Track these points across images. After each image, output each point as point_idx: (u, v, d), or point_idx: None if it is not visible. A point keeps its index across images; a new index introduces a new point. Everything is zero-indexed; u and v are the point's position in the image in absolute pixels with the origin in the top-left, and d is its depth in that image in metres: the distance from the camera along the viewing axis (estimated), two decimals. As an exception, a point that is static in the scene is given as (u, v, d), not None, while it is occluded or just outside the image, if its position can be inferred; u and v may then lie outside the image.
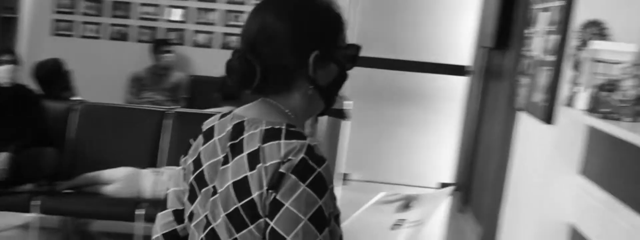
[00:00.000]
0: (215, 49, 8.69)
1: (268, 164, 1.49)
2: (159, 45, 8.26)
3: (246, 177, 1.51)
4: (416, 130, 6.97)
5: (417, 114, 6.91)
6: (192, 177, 1.66)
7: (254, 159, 1.52)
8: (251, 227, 1.51)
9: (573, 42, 4.38)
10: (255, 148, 1.52)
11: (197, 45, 8.76)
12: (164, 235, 1.75)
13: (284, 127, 1.55)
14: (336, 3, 1.65)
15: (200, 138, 1.69)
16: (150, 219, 5.03)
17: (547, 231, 4.37)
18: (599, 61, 4.03)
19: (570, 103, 4.23)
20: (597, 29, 4.34)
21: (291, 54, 1.56)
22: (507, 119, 5.28)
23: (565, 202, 4.27)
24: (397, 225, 1.80)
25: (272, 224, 1.46)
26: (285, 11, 1.55)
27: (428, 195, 1.98)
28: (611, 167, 3.92)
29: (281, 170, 1.47)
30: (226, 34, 8.72)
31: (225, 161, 1.58)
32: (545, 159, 4.38)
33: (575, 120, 4.17)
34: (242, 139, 1.56)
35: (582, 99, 4.10)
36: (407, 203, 1.86)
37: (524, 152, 4.94)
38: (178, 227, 1.72)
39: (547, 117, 4.41)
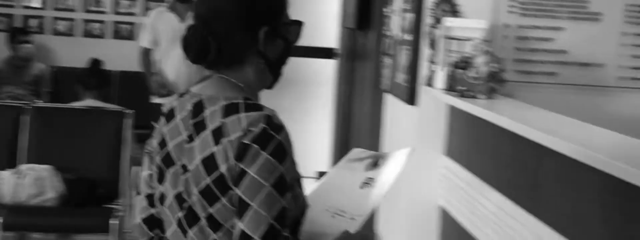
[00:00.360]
0: (77, 37, 8.22)
1: (232, 137, 1.56)
2: (16, 34, 7.66)
3: (213, 153, 1.58)
4: (290, 117, 6.79)
5: (290, 100, 6.74)
6: (159, 159, 1.70)
7: (218, 134, 1.58)
8: (223, 200, 1.57)
9: (428, 20, 4.29)
10: (218, 124, 1.59)
11: (57, 33, 8.27)
12: (143, 220, 1.78)
13: (241, 101, 1.62)
14: None
15: (162, 119, 1.74)
16: (10, 227, 4.69)
17: (419, 213, 4.29)
18: (452, 38, 3.96)
19: (430, 82, 4.15)
20: (448, 6, 4.27)
21: (243, 30, 1.65)
22: (375, 101, 5.18)
23: (433, 183, 4.20)
24: (366, 184, 1.84)
25: (238, 192, 1.54)
26: None
27: (394, 154, 2.00)
28: (472, 147, 3.86)
29: (244, 141, 1.55)
30: (88, 21, 8.26)
31: (190, 139, 1.64)
32: (412, 140, 4.29)
33: (435, 99, 4.09)
34: (204, 116, 1.62)
35: (440, 77, 4.02)
36: (375, 161, 1.94)
37: (392, 134, 4.85)
38: (153, 210, 1.76)
39: (410, 97, 4.32)
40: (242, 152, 1.56)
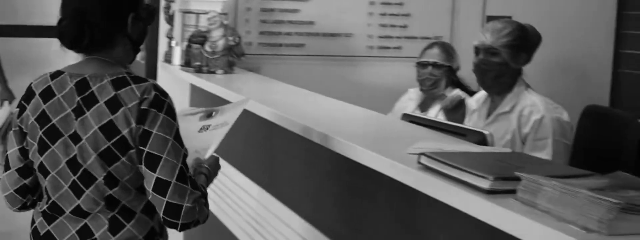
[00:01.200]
0: None
1: (130, 105, 1.82)
2: None
3: (111, 120, 1.83)
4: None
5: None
6: (40, 133, 1.93)
7: (113, 104, 1.84)
8: (123, 158, 1.85)
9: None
10: (111, 95, 1.84)
11: None
12: (15, 191, 2.01)
13: (125, 75, 1.88)
14: None
15: (37, 98, 1.94)
16: None
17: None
18: (188, 12, 3.71)
19: (168, 59, 3.89)
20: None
21: (114, 18, 1.90)
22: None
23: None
24: (204, 128, 2.15)
25: (146, 149, 1.81)
26: None
27: (228, 106, 2.24)
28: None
29: (143, 107, 1.81)
30: None
31: (80, 112, 1.88)
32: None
33: (174, 76, 3.83)
34: (92, 91, 1.87)
35: (177, 53, 3.77)
36: (209, 113, 2.20)
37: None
38: (26, 181, 2.00)
39: (149, 75, 4.04)
40: (142, 116, 1.82)
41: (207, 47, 3.51)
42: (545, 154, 2.69)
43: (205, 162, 2.05)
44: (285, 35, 4.26)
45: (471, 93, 3.42)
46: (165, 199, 1.80)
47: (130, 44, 1.96)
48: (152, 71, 4.02)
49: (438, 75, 3.50)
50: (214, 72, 3.54)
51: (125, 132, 1.83)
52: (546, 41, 3.06)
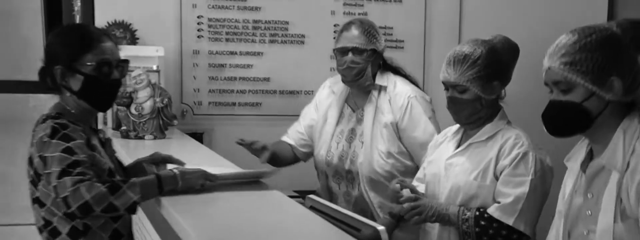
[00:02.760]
0: None
1: (35, 140, 2.02)
2: None
3: (30, 151, 2.06)
4: (14, 160, 5.94)
5: (13, 141, 5.89)
6: None
7: (32, 138, 2.06)
8: (40, 185, 2.05)
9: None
10: (34, 132, 2.07)
11: None
12: None
13: (52, 113, 2.08)
14: (97, 29, 2.20)
15: None
16: None
17: None
18: (116, 69, 3.31)
19: (105, 121, 3.50)
20: (122, 31, 3.65)
21: (51, 66, 2.09)
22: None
23: None
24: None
25: (48, 170, 1.94)
26: (50, 35, 2.16)
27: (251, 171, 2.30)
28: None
29: (43, 139, 1.99)
30: None
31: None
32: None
33: (118, 143, 3.41)
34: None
35: (109, 116, 3.38)
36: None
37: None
38: None
39: (87, 141, 3.63)
40: (40, 146, 1.98)
41: (132, 110, 3.12)
42: (519, 192, 2.23)
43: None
44: (238, 94, 3.88)
45: (407, 77, 2.95)
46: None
47: (72, 93, 2.09)
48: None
49: (361, 62, 2.84)
50: (142, 138, 3.14)
51: (35, 161, 2.03)
52: (532, 50, 2.60)
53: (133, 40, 3.67)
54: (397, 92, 2.88)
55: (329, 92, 3.06)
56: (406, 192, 2.35)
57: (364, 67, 2.86)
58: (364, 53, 2.85)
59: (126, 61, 2.16)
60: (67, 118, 2.07)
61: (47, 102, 6.20)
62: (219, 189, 2.09)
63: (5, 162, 6.14)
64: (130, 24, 3.70)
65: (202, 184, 2.04)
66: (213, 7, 3.83)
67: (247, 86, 3.89)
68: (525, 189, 2.23)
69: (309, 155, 3.09)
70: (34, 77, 5.94)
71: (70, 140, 1.99)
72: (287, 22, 3.93)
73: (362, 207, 2.90)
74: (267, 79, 3.91)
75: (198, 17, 3.81)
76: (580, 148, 1.87)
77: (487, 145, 2.34)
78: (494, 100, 2.38)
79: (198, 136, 3.75)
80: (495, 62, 2.34)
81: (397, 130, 2.86)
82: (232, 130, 3.72)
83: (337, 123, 2.98)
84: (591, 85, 1.72)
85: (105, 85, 2.11)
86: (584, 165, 1.83)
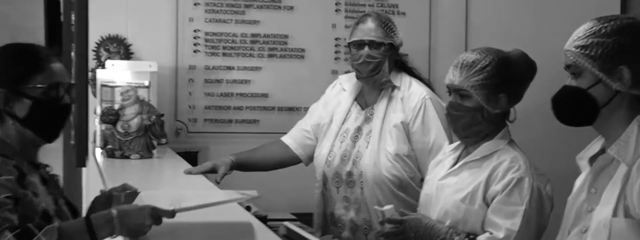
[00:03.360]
0: None
1: None
2: None
3: None
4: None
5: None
6: None
7: None
8: None
9: (92, 63, 3.54)
10: None
11: None
12: None
13: None
14: (44, 49, 1.94)
15: None
16: None
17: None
18: (104, 85, 3.22)
19: (95, 140, 3.39)
20: (116, 46, 3.54)
21: None
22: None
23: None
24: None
25: None
26: None
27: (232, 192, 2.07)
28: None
29: None
30: None
31: None
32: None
33: (99, 162, 3.31)
34: None
35: (98, 134, 3.27)
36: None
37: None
38: None
39: (79, 159, 3.52)
40: None
41: (119, 128, 3.00)
42: (510, 225, 2.06)
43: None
44: (235, 110, 3.76)
45: (421, 80, 2.83)
46: None
47: (15, 121, 1.86)
48: (80, 154, 3.51)
49: (379, 57, 2.70)
50: (128, 157, 3.02)
51: None
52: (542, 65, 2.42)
53: (127, 55, 3.57)
54: (411, 91, 2.74)
55: (340, 89, 2.92)
56: (388, 213, 2.19)
57: (381, 62, 2.72)
58: (381, 47, 2.72)
59: (74, 85, 1.97)
60: (1, 151, 1.85)
61: None
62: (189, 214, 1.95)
63: (10, 180, 6.11)
64: (124, 39, 3.60)
65: (149, 225, 1.73)
66: (210, 20, 3.72)
67: (245, 102, 3.77)
68: (517, 220, 2.07)
69: (312, 156, 2.93)
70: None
71: None
72: (286, 36, 3.81)
73: (362, 214, 2.74)
74: (265, 95, 3.79)
75: (194, 31, 3.70)
76: (593, 145, 1.77)
77: (482, 165, 2.18)
78: (498, 115, 2.22)
79: (193, 155, 3.63)
80: (505, 73, 2.19)
81: (407, 132, 2.71)
82: (228, 149, 3.56)
83: (344, 121, 2.83)
84: (598, 72, 1.65)
85: (55, 111, 1.89)
86: (593, 160, 1.73)
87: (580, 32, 1.70)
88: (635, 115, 1.65)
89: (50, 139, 1.93)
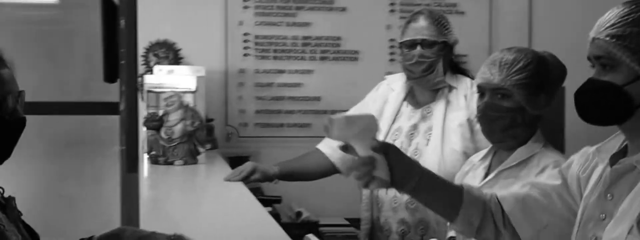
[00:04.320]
0: None
1: None
2: None
3: None
4: (83, 182, 5.95)
5: (82, 162, 5.91)
6: None
7: None
8: None
9: (141, 67, 3.54)
10: None
11: None
12: None
13: None
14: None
15: None
16: None
17: None
18: (150, 91, 3.19)
19: (144, 146, 3.36)
20: (165, 51, 3.52)
21: None
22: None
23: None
24: None
25: None
26: None
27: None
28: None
29: None
30: None
31: None
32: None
33: (147, 169, 3.28)
34: None
35: (144, 140, 3.24)
36: None
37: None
38: None
39: (130, 166, 3.51)
40: None
41: (162, 134, 2.97)
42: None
43: None
44: (286, 114, 3.69)
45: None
46: None
47: None
48: (131, 161, 3.50)
49: (432, 57, 2.56)
50: (172, 163, 2.98)
51: None
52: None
53: (176, 60, 3.54)
54: (474, 90, 2.60)
55: (387, 89, 2.79)
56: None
57: (435, 62, 2.58)
58: (435, 46, 2.58)
59: (23, 92, 1.65)
60: None
61: (115, 123, 6.04)
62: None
63: (73, 184, 6.20)
64: (173, 43, 3.57)
65: None
66: (260, 23, 3.66)
67: (296, 106, 3.69)
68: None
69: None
70: (102, 98, 5.93)
71: None
72: (339, 38, 3.72)
73: (419, 214, 2.61)
74: (317, 98, 3.71)
75: (244, 34, 3.65)
76: (614, 140, 1.55)
77: (520, 174, 2.04)
78: (534, 119, 2.08)
79: (244, 160, 3.55)
80: (545, 73, 2.06)
81: (471, 130, 2.58)
82: (280, 154, 3.51)
83: (394, 120, 2.71)
84: (638, 67, 1.41)
85: (8, 125, 1.61)
86: (614, 159, 1.50)
87: (613, 18, 1.46)
88: None
89: (2, 159, 1.64)
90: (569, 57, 2.21)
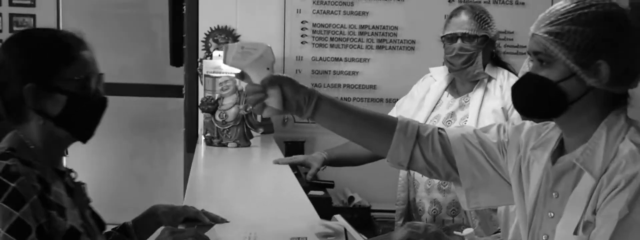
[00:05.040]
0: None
1: None
2: None
3: None
4: (151, 161, 6.11)
5: (151, 142, 6.07)
6: None
7: None
8: None
9: (201, 53, 3.64)
10: None
11: None
12: None
13: (2, 151, 1.61)
14: (72, 35, 1.68)
15: None
16: None
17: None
18: (207, 75, 3.29)
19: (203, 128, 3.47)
20: (224, 36, 3.62)
21: (12, 86, 1.62)
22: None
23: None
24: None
25: None
26: (7, 45, 1.66)
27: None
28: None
29: None
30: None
31: None
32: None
33: (202, 149, 3.39)
34: None
35: (201, 122, 3.35)
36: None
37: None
38: None
39: (188, 145, 3.64)
40: None
41: (217, 117, 3.06)
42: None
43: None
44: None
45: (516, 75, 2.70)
46: None
47: (47, 120, 1.63)
48: (190, 142, 3.62)
49: (472, 49, 2.63)
50: (225, 145, 3.08)
51: None
52: None
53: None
54: (511, 81, 2.64)
55: (431, 79, 2.88)
56: (467, 237, 2.00)
57: (474, 54, 2.66)
58: (475, 40, 2.66)
59: (103, 75, 1.72)
60: (22, 156, 1.60)
61: (181, 106, 6.10)
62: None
63: (142, 162, 6.38)
64: (233, 30, 3.66)
65: None
66: (318, 12, 3.72)
67: (353, 94, 3.75)
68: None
69: None
70: (171, 81, 5.99)
71: (21, 204, 1.53)
72: (396, 27, 3.75)
73: (451, 195, 2.66)
74: (373, 87, 3.75)
75: (302, 22, 3.71)
76: (549, 135, 1.56)
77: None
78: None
79: (299, 145, 3.65)
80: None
81: (506, 117, 2.62)
82: (334, 140, 3.52)
83: (434, 108, 2.78)
84: (573, 64, 1.43)
85: (92, 106, 1.68)
86: (554, 157, 1.52)
87: (552, 15, 1.47)
88: (604, 116, 1.45)
89: (87, 137, 1.71)
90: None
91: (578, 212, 1.41)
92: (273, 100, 1.62)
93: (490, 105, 2.64)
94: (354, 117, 1.71)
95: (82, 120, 1.67)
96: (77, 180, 1.73)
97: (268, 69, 1.64)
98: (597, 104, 1.45)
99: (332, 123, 1.71)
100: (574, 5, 1.46)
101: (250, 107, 3.08)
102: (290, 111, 1.65)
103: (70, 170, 1.72)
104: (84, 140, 1.70)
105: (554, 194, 1.50)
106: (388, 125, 1.69)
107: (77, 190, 1.71)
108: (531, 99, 1.50)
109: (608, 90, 1.45)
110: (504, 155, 1.66)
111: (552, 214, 1.49)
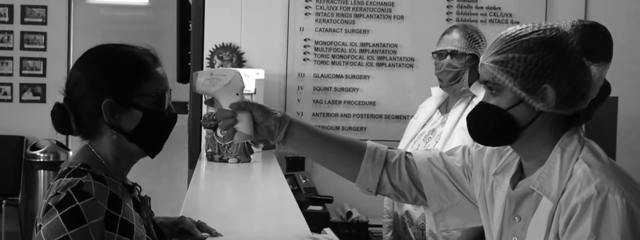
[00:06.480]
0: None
1: (47, 198, 1.57)
2: None
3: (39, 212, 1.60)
4: (158, 177, 6.22)
5: (158, 158, 6.17)
6: None
7: (46, 196, 1.61)
8: None
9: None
10: (50, 186, 1.63)
11: None
12: None
13: (75, 166, 1.61)
14: (148, 52, 1.69)
15: None
16: None
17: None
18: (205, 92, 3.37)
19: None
20: (229, 54, 3.71)
21: (87, 101, 1.64)
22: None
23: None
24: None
25: None
26: (84, 61, 1.67)
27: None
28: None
29: (49, 202, 1.55)
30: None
31: None
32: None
33: (204, 165, 3.49)
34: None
35: (203, 139, 3.44)
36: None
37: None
38: None
39: (190, 162, 3.74)
40: (45, 211, 1.55)
41: (218, 133, 3.15)
42: None
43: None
44: (342, 118, 3.83)
45: None
46: None
47: (120, 135, 1.64)
48: (193, 161, 3.72)
49: (459, 67, 2.71)
50: (226, 161, 3.17)
51: (37, 225, 1.58)
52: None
53: (240, 63, 3.73)
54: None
55: (431, 98, 2.98)
56: None
57: (461, 72, 2.74)
58: (464, 57, 2.73)
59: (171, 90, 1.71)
60: (96, 172, 1.61)
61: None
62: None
63: (150, 179, 6.49)
64: (237, 47, 3.76)
65: None
66: (320, 30, 3.81)
67: (352, 110, 3.84)
68: None
69: None
70: (179, 97, 6.08)
71: (77, 224, 1.52)
72: (396, 45, 3.84)
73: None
74: (373, 103, 3.84)
75: (305, 40, 3.81)
76: (510, 160, 1.61)
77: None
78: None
79: (300, 160, 3.74)
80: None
81: None
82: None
83: (424, 125, 2.87)
84: (520, 91, 1.47)
85: (165, 122, 1.69)
86: (513, 181, 1.56)
87: (497, 44, 1.50)
88: (557, 138, 1.49)
89: (155, 153, 1.71)
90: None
91: (539, 236, 1.46)
92: (243, 125, 1.66)
93: (464, 123, 2.71)
94: (324, 142, 1.75)
95: (155, 135, 1.69)
96: (142, 194, 1.74)
97: (237, 94, 1.67)
98: (548, 127, 1.50)
99: (303, 148, 1.76)
100: (517, 32, 1.50)
101: (222, 133, 3.17)
102: (261, 136, 1.70)
103: (135, 184, 1.73)
104: (153, 155, 1.71)
105: (516, 218, 1.55)
106: (357, 151, 1.74)
107: (143, 205, 1.72)
108: (484, 127, 1.55)
109: (557, 113, 1.49)
110: (469, 179, 1.72)
111: (516, 238, 1.54)
